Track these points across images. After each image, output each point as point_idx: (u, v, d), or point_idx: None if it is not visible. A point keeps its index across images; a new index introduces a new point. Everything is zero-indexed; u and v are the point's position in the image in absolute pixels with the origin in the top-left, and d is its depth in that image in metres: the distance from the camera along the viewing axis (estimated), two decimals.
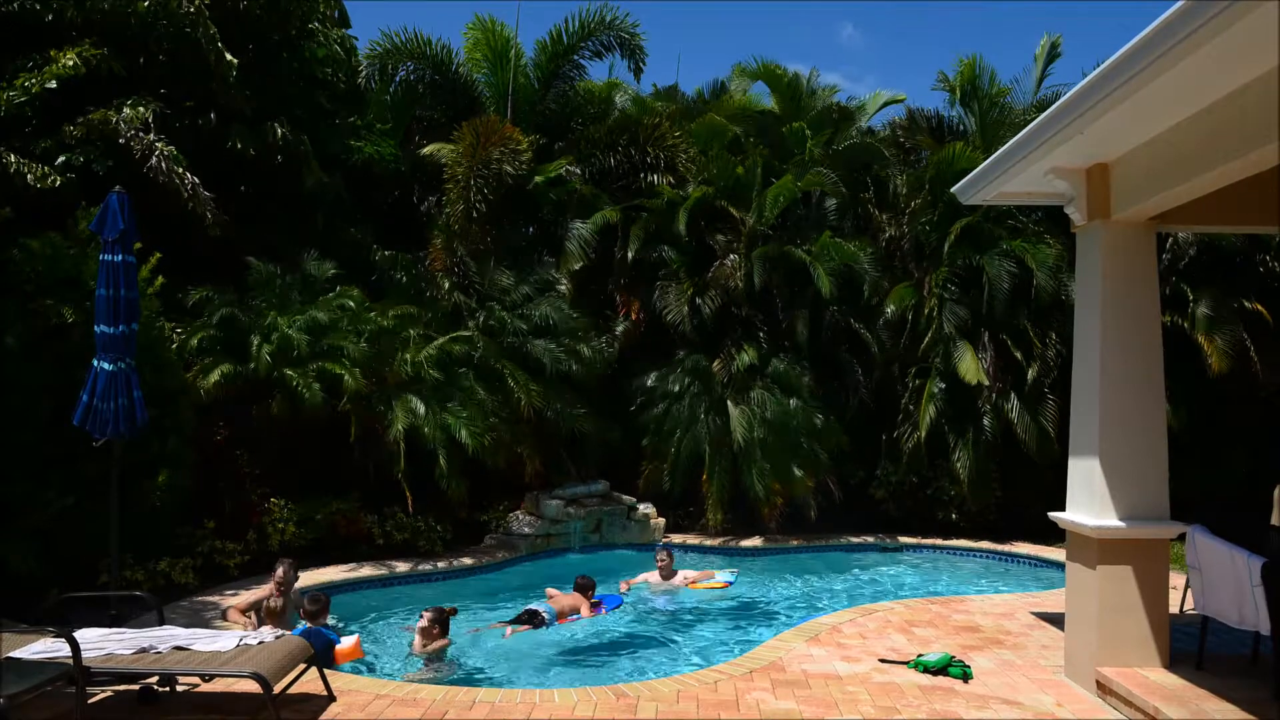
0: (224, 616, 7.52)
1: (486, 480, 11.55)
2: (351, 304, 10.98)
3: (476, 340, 11.60)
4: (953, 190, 7.47)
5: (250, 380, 10.01)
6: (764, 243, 13.13)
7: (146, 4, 9.97)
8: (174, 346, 9.50)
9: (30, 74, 8.72)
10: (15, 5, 9.54)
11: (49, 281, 8.07)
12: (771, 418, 12.08)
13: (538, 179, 13.28)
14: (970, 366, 12.02)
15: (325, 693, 5.58)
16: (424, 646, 7.25)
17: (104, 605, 6.38)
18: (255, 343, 10.11)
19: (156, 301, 9.01)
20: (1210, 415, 12.45)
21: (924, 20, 38.20)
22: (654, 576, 10.03)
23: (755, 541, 12.19)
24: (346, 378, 9.92)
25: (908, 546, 12.29)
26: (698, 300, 13.01)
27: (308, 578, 8.99)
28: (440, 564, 10.36)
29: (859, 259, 12.80)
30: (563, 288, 12.90)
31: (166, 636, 5.35)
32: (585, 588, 8.91)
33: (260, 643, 5.37)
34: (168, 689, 5.55)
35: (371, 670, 6.91)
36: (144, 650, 5.13)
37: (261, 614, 7.39)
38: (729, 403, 12.41)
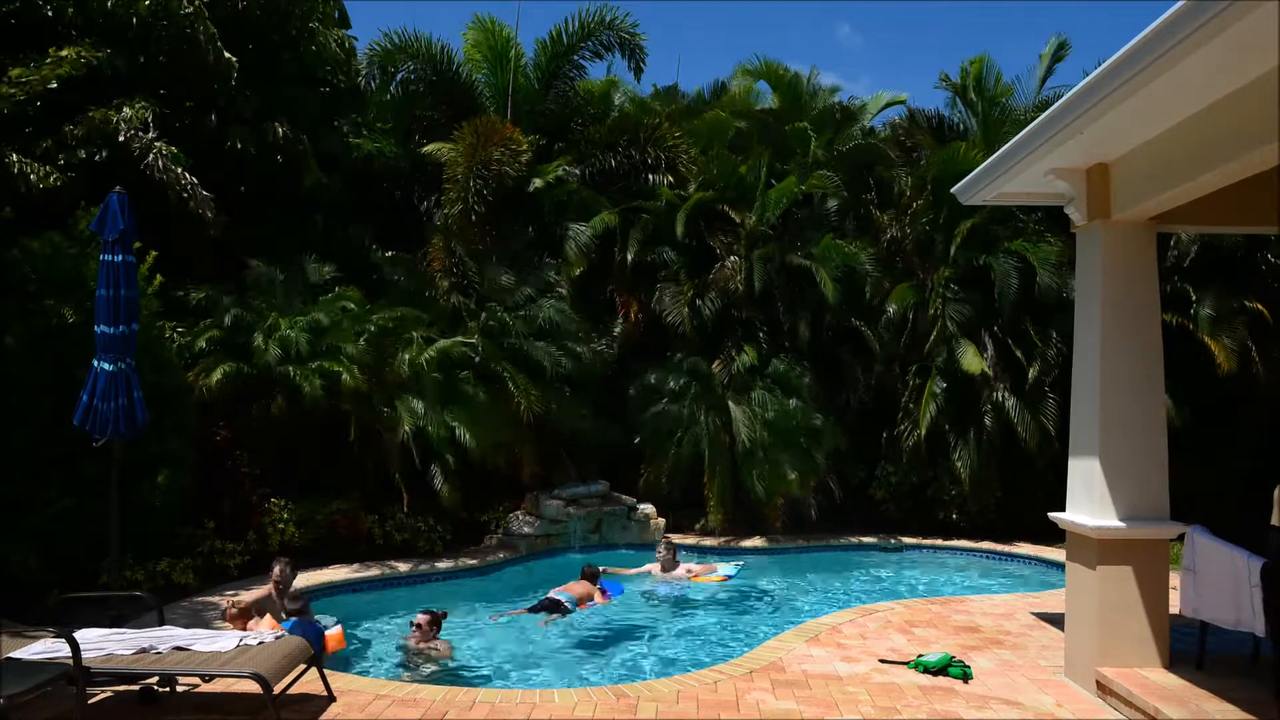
0: (224, 617, 7.51)
1: (486, 480, 11.55)
2: (352, 305, 11.01)
3: (477, 343, 11.60)
4: (953, 190, 7.47)
5: (251, 379, 10.02)
6: (764, 243, 13.12)
7: (147, 4, 9.99)
8: (175, 347, 9.51)
9: (31, 73, 8.72)
10: (16, 4, 9.55)
11: (49, 281, 8.08)
12: (772, 418, 12.07)
13: (537, 182, 13.28)
14: (973, 360, 12.06)
15: (325, 693, 5.59)
16: (420, 647, 7.31)
17: (104, 605, 6.39)
18: (258, 340, 10.14)
19: (156, 301, 9.03)
20: (1211, 415, 12.43)
21: (921, 21, 38.25)
22: (656, 568, 10.33)
23: (756, 541, 12.19)
24: (345, 375, 9.93)
25: (908, 546, 12.28)
26: (698, 301, 13.00)
27: (308, 578, 9.01)
28: (440, 564, 10.36)
29: (860, 260, 12.79)
30: (563, 289, 12.90)
31: (166, 637, 5.36)
32: (592, 575, 9.36)
33: (260, 643, 5.37)
34: (168, 689, 5.56)
35: (371, 671, 6.91)
36: (144, 650, 5.14)
37: (253, 610, 7.37)
38: (730, 403, 12.40)
